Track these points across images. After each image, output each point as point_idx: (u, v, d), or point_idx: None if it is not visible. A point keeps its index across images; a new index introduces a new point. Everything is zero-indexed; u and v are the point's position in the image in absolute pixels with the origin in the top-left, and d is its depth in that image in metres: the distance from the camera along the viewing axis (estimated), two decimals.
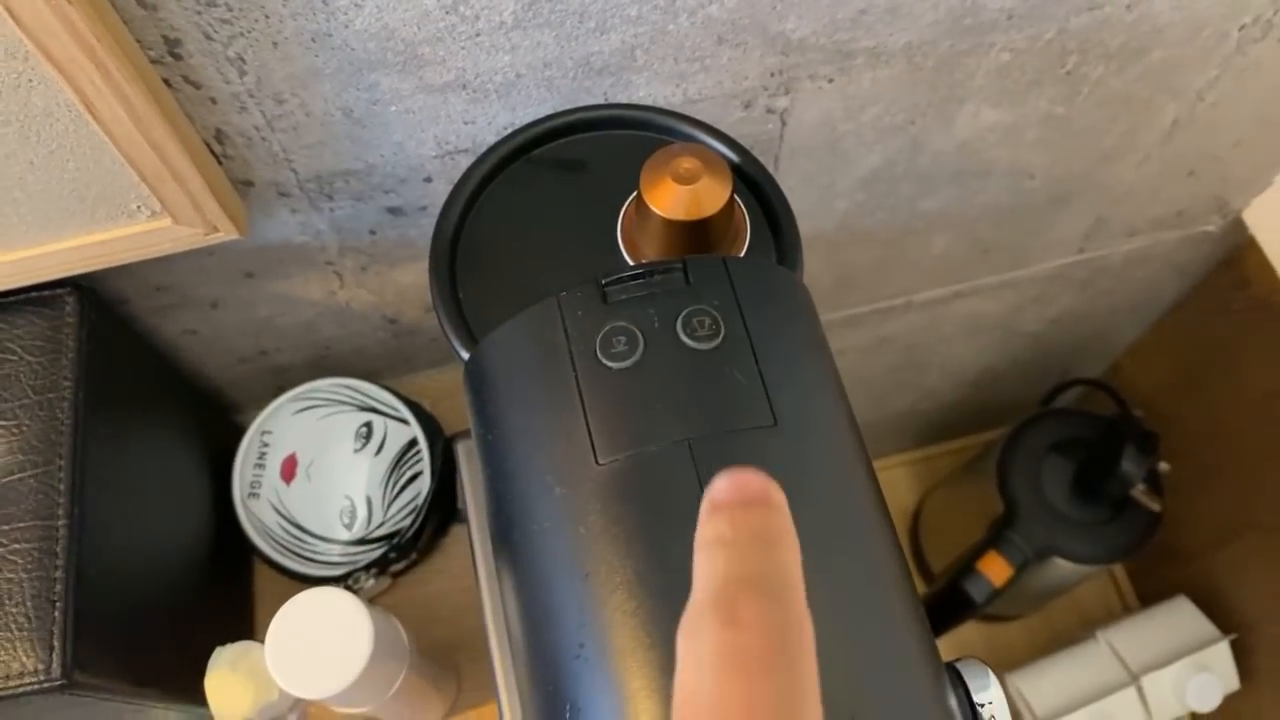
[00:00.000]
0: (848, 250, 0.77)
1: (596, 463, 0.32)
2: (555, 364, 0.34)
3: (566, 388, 0.33)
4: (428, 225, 0.57)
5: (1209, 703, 1.05)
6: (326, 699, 0.46)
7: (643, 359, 0.33)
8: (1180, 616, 1.12)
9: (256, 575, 0.67)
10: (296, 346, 0.67)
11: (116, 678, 0.47)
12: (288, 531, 0.64)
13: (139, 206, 0.47)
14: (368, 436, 0.66)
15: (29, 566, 0.45)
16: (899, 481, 1.41)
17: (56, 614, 0.44)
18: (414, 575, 0.67)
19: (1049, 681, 1.07)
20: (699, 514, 0.23)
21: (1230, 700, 1.07)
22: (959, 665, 0.36)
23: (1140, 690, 1.06)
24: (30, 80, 0.39)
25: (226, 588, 0.64)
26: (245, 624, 0.65)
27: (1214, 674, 1.06)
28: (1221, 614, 1.11)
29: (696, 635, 0.20)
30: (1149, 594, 1.30)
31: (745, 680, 0.19)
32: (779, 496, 0.23)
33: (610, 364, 0.33)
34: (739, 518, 0.22)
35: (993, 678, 0.36)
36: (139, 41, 0.41)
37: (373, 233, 0.57)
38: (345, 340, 0.68)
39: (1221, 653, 1.08)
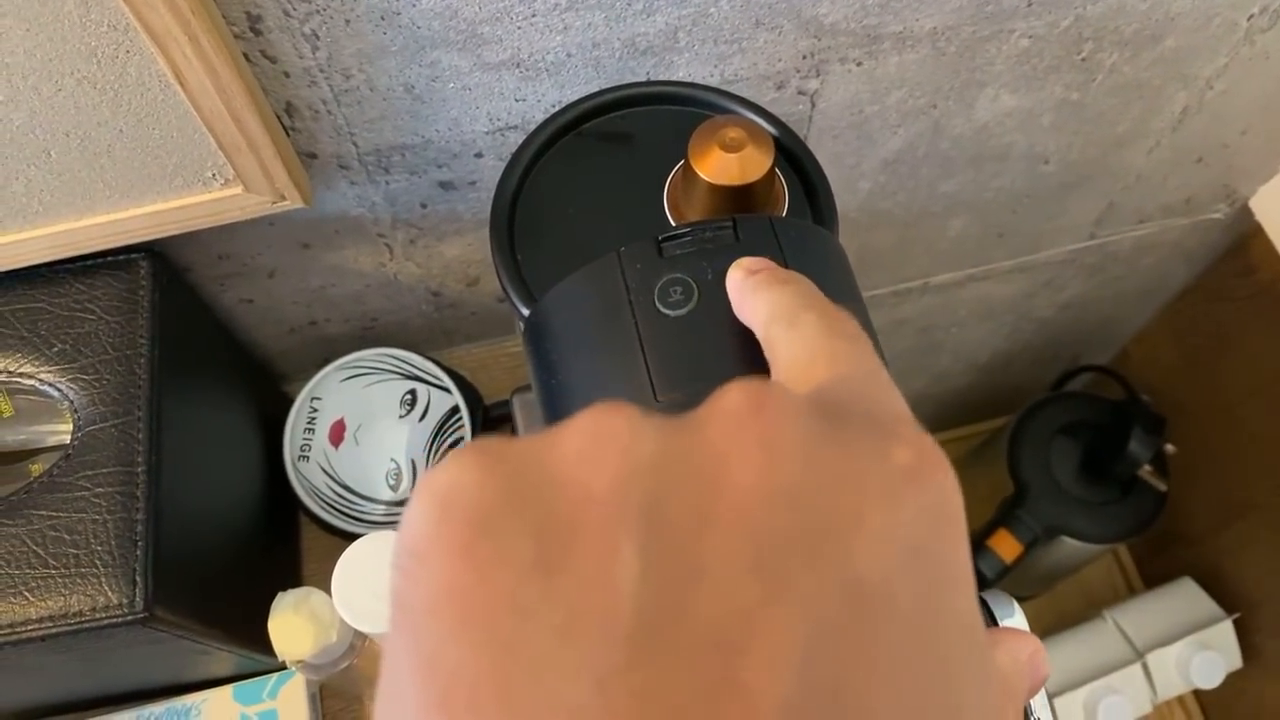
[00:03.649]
0: (869, 232, 0.80)
1: (656, 399, 0.35)
2: (616, 312, 0.37)
3: (627, 333, 0.36)
4: (475, 199, 0.61)
5: (1212, 680, 1.08)
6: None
7: (697, 307, 0.36)
8: (1184, 596, 1.15)
9: (304, 533, 0.70)
10: (345, 317, 0.71)
11: (189, 615, 0.50)
12: (335, 492, 0.67)
13: (214, 175, 0.50)
14: (412, 403, 0.69)
15: (112, 509, 0.48)
16: None
17: (138, 553, 0.47)
18: None
19: (1056, 658, 1.10)
20: (734, 287, 0.31)
21: (1233, 678, 1.10)
22: (984, 595, 0.39)
23: (1145, 667, 1.09)
24: (128, 51, 0.42)
25: (278, 544, 0.68)
26: (294, 578, 0.68)
27: (1217, 652, 1.09)
28: (1225, 594, 1.14)
29: (799, 323, 0.25)
30: (1154, 576, 1.33)
31: (851, 344, 0.23)
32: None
33: (667, 311, 0.36)
34: (780, 275, 0.29)
35: (1015, 605, 0.39)
36: (225, 17, 0.44)
37: (424, 206, 0.60)
38: (391, 312, 0.71)
39: (1225, 631, 1.11)
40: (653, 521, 0.16)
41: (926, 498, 0.18)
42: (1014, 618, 0.38)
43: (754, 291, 0.29)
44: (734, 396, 0.19)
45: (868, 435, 0.19)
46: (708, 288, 0.37)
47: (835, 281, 0.39)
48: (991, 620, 0.38)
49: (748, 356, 0.36)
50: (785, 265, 0.38)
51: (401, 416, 0.69)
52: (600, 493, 0.17)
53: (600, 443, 0.18)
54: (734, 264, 0.31)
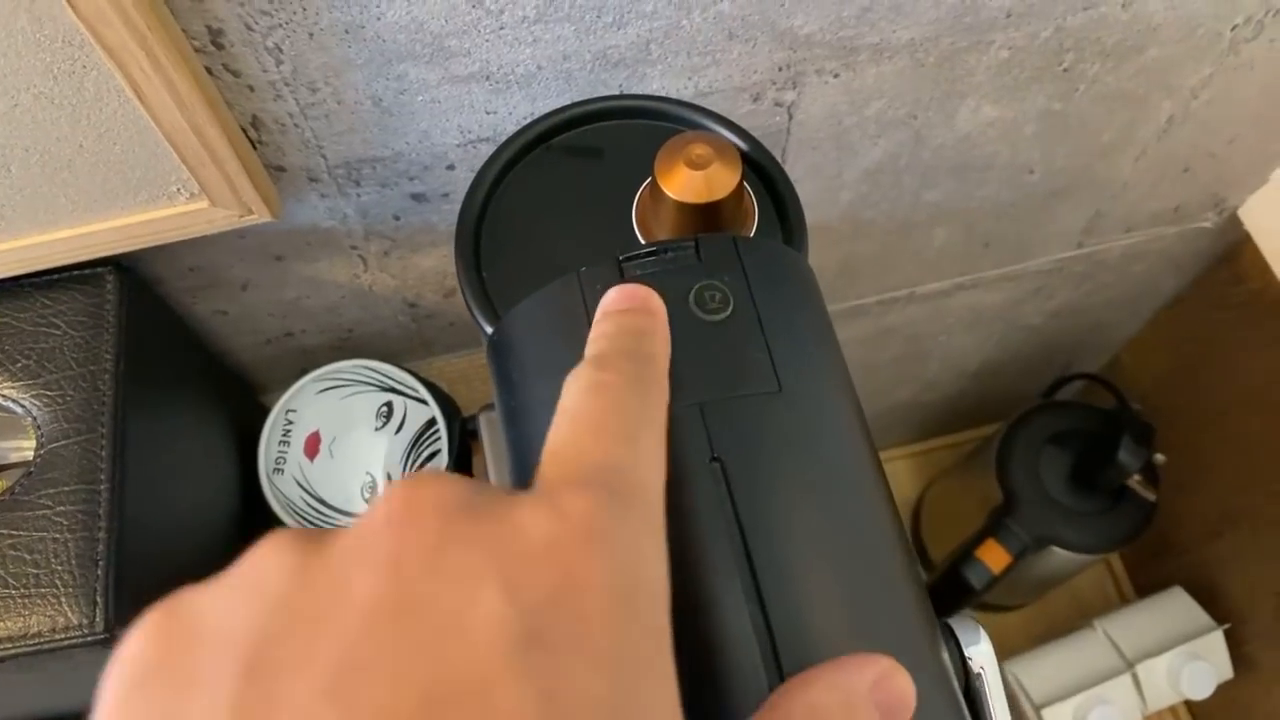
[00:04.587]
0: (852, 241, 0.79)
1: None
2: (576, 334, 0.36)
3: None
4: (449, 211, 0.60)
5: (1202, 691, 1.08)
6: None
7: None
8: (1175, 606, 1.14)
9: None
10: (320, 329, 0.70)
11: None
12: (311, 505, 0.66)
13: (179, 189, 0.49)
14: (388, 416, 0.69)
15: (73, 527, 0.47)
16: (901, 473, 1.44)
17: (99, 572, 0.47)
18: None
19: (1046, 668, 1.10)
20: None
21: (1223, 688, 1.09)
22: (951, 621, 0.39)
23: (1135, 677, 1.08)
24: (84, 67, 0.42)
25: None
26: None
27: (1208, 662, 1.09)
28: (1216, 604, 1.13)
29: (574, 377, 0.26)
30: (1145, 585, 1.33)
31: (604, 399, 0.24)
32: (658, 304, 0.30)
33: None
34: (619, 318, 0.29)
35: (982, 632, 0.38)
36: (185, 31, 0.43)
37: (396, 218, 0.59)
38: (367, 323, 0.71)
39: (1215, 642, 1.10)
40: (255, 667, 0.17)
41: (549, 578, 0.18)
42: (979, 645, 0.38)
43: (591, 340, 0.29)
44: (381, 507, 0.19)
45: (516, 510, 0.19)
46: (668, 309, 0.36)
47: (798, 301, 0.39)
48: (957, 645, 0.37)
49: (707, 380, 0.35)
50: (748, 285, 0.37)
51: (378, 429, 0.68)
52: (224, 640, 0.18)
53: (243, 586, 0.19)
54: (611, 289, 0.31)
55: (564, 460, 0.22)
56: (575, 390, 0.25)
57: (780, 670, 0.29)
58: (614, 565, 0.19)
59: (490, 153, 0.47)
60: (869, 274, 0.86)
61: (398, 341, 0.74)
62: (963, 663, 0.37)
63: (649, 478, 0.24)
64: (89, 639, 0.46)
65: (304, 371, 0.69)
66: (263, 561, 0.19)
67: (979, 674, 0.37)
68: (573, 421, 0.24)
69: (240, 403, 0.72)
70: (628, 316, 0.29)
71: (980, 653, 0.38)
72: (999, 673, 0.38)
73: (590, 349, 0.28)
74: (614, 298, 0.30)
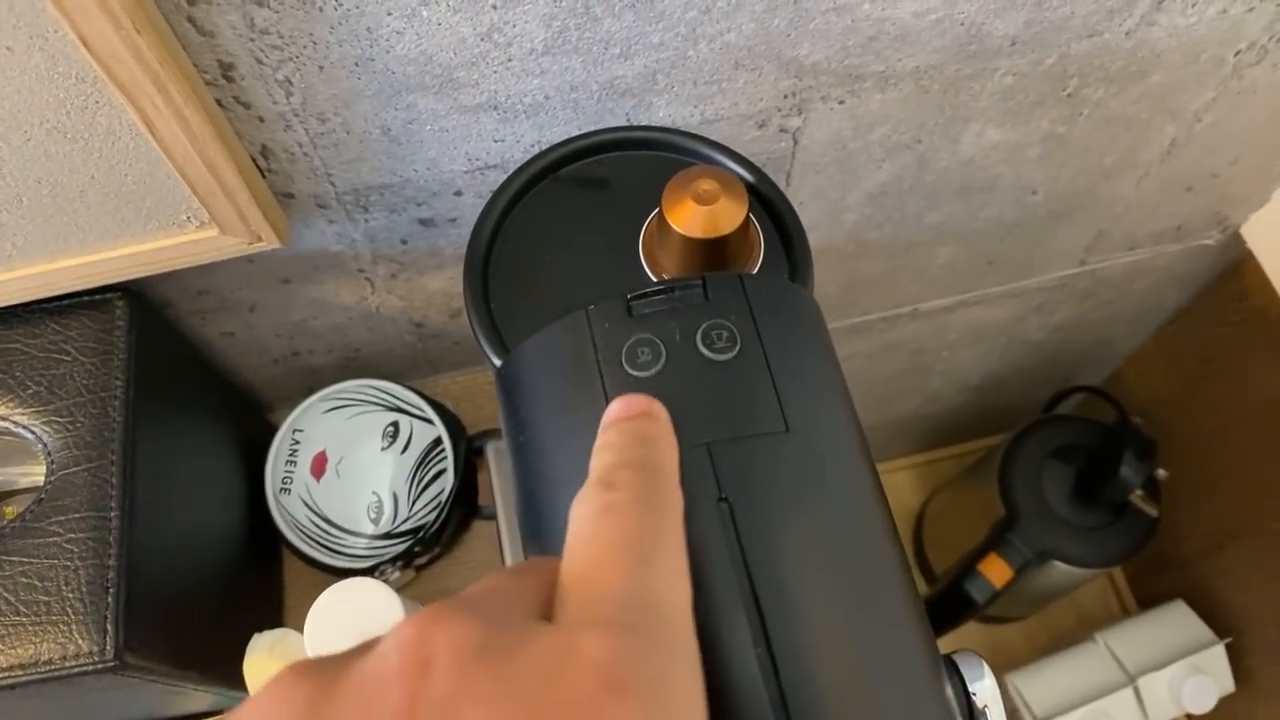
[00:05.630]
0: (856, 261, 0.79)
1: None
2: (584, 372, 0.37)
3: (594, 394, 0.36)
4: (456, 235, 0.60)
5: (1204, 705, 1.08)
6: None
7: (665, 368, 0.36)
8: (1177, 620, 1.14)
9: (286, 566, 0.70)
10: (327, 348, 0.70)
11: (163, 660, 0.50)
12: (317, 525, 0.67)
13: (189, 217, 0.50)
14: (394, 435, 0.69)
15: (84, 555, 0.48)
16: (903, 484, 1.44)
17: (110, 600, 0.47)
18: (437, 568, 0.70)
19: (1047, 681, 1.10)
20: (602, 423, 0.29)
21: (1225, 702, 1.10)
22: (955, 657, 0.39)
23: (1137, 691, 1.08)
24: (97, 102, 0.42)
25: (259, 578, 0.67)
26: (276, 613, 0.68)
27: (1209, 676, 1.09)
28: (1217, 618, 1.13)
29: (582, 501, 0.25)
30: (1147, 598, 1.33)
31: (617, 521, 0.24)
32: (661, 410, 0.30)
33: (635, 373, 0.36)
34: (623, 427, 0.29)
35: (986, 668, 0.39)
36: (196, 65, 0.43)
37: (404, 242, 0.60)
38: (374, 343, 0.71)
39: (1217, 655, 1.11)
40: None
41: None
42: (983, 680, 0.38)
43: (596, 452, 0.28)
44: (394, 651, 0.19)
45: (536, 656, 0.19)
46: (675, 349, 0.37)
47: (804, 339, 0.39)
48: (961, 682, 0.38)
49: (715, 421, 0.35)
50: (755, 324, 0.38)
51: (384, 448, 0.69)
52: None
53: None
54: (614, 401, 0.30)
55: (582, 595, 0.22)
56: (585, 514, 0.24)
57: (787, 710, 0.29)
58: (644, 712, 0.19)
59: (498, 180, 0.48)
60: (872, 292, 0.86)
61: (403, 360, 0.75)
62: (967, 699, 0.37)
63: (672, 598, 0.23)
64: (99, 666, 0.46)
65: (310, 390, 0.69)
66: (270, 706, 0.19)
67: (983, 710, 0.38)
68: (587, 547, 0.23)
69: (247, 421, 0.72)
70: (632, 423, 0.29)
71: (984, 689, 0.38)
72: (1003, 710, 0.38)
73: (595, 463, 0.27)
74: (617, 408, 0.30)
